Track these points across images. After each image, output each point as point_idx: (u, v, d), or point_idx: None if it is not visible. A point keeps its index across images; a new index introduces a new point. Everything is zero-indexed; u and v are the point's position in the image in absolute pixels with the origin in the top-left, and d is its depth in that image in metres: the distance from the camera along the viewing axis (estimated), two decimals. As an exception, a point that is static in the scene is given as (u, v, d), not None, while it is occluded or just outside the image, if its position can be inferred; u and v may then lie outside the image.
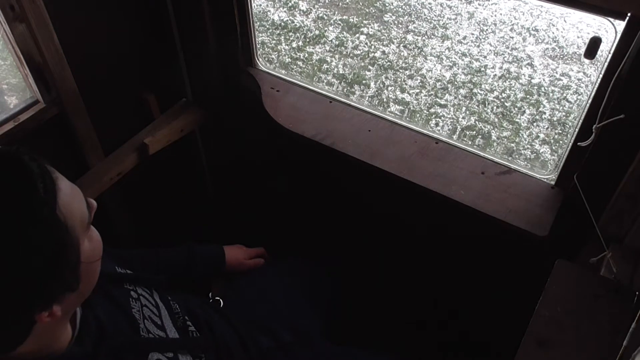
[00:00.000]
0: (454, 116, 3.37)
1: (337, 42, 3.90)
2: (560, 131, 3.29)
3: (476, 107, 3.42)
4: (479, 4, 4.11)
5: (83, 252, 0.69)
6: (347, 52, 3.83)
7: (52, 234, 0.64)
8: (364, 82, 3.60)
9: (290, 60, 3.81)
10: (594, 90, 1.05)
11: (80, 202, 0.70)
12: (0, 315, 0.63)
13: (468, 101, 3.46)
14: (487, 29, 3.92)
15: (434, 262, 1.51)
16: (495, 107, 3.41)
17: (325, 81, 3.63)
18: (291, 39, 3.95)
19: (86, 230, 0.71)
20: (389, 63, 3.73)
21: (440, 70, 3.66)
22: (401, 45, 3.86)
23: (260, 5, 4.16)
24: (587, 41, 0.96)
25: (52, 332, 0.73)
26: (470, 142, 3.18)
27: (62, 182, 0.68)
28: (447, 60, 3.72)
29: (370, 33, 3.96)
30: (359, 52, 3.83)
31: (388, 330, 1.61)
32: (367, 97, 3.51)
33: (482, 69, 3.65)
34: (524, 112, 3.38)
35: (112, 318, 0.84)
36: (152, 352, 0.83)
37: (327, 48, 3.87)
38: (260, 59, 1.54)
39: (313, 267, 1.40)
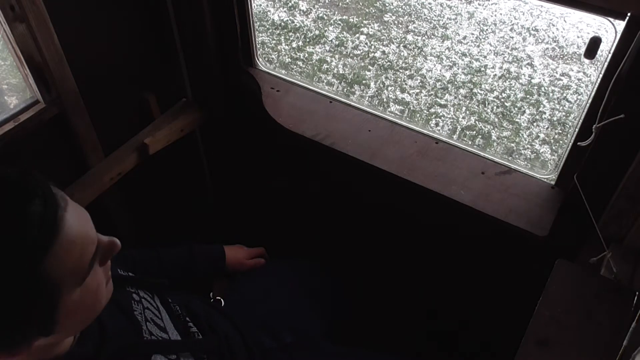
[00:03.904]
0: (454, 116, 3.38)
1: (337, 42, 3.90)
2: (560, 131, 3.29)
3: (476, 107, 3.42)
4: (479, 4, 4.11)
5: (67, 306, 0.65)
6: (347, 52, 3.83)
7: (22, 290, 0.60)
8: (364, 82, 3.60)
9: (290, 60, 3.81)
10: (594, 90, 1.05)
11: (83, 252, 0.65)
12: None
13: (468, 101, 3.46)
14: (487, 29, 3.93)
15: (434, 262, 1.51)
16: (495, 107, 3.41)
17: (325, 81, 3.63)
18: (291, 39, 3.95)
19: (78, 283, 0.66)
20: (389, 63, 3.73)
21: (440, 70, 3.66)
22: (401, 45, 3.86)
23: (260, 5, 4.16)
24: (587, 41, 0.96)
25: (50, 344, 0.71)
26: (470, 142, 3.18)
27: (67, 231, 0.62)
28: (447, 60, 3.73)
29: (370, 33, 3.96)
30: (359, 52, 3.83)
31: (388, 330, 1.61)
32: (367, 97, 3.51)
33: (482, 68, 3.65)
34: (524, 112, 3.38)
35: (114, 320, 0.83)
36: (155, 354, 0.83)
37: (327, 48, 3.87)
38: (260, 59, 1.54)
39: (313, 267, 1.40)
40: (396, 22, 4.03)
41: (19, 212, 0.59)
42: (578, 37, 3.84)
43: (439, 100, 3.46)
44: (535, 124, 3.32)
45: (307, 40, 3.94)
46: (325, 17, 4.11)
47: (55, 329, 0.66)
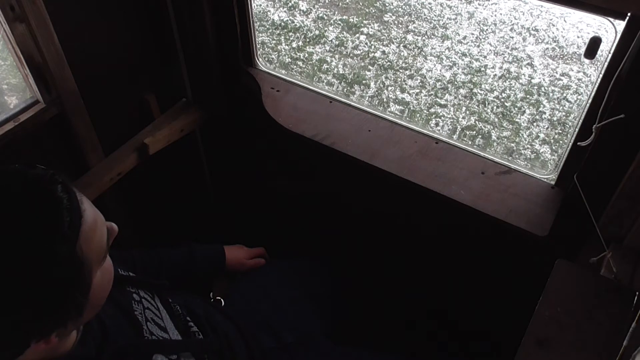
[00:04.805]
0: (454, 116, 3.38)
1: (337, 42, 3.90)
2: (560, 131, 3.30)
3: (476, 107, 3.42)
4: (479, 4, 4.11)
5: (94, 286, 0.68)
6: (347, 52, 3.83)
7: (65, 272, 0.62)
8: (364, 82, 3.60)
9: (290, 60, 3.81)
10: (594, 90, 1.05)
11: (101, 233, 0.69)
12: None
13: (468, 101, 3.46)
14: (487, 29, 3.93)
15: (434, 262, 1.51)
16: (495, 107, 3.41)
17: (325, 81, 3.63)
18: (291, 39, 3.96)
19: (101, 262, 0.70)
20: (389, 63, 3.73)
21: (440, 70, 3.66)
22: (401, 45, 3.86)
23: (260, 5, 4.16)
24: (587, 41, 0.96)
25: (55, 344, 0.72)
26: (470, 142, 3.18)
27: (87, 214, 0.66)
28: (447, 60, 3.73)
29: (370, 33, 3.96)
30: (359, 52, 3.83)
31: (388, 330, 1.61)
32: (367, 97, 3.51)
33: (482, 68, 3.65)
34: (524, 112, 3.38)
35: (115, 320, 0.84)
36: (156, 354, 0.83)
37: (327, 48, 3.87)
38: (260, 59, 1.54)
39: (314, 267, 1.40)
40: (396, 22, 4.03)
41: (49, 201, 0.62)
42: (578, 37, 3.84)
43: (439, 100, 3.46)
44: (535, 124, 3.32)
45: (307, 40, 3.94)
46: (325, 17, 4.11)
47: (82, 315, 0.68)
